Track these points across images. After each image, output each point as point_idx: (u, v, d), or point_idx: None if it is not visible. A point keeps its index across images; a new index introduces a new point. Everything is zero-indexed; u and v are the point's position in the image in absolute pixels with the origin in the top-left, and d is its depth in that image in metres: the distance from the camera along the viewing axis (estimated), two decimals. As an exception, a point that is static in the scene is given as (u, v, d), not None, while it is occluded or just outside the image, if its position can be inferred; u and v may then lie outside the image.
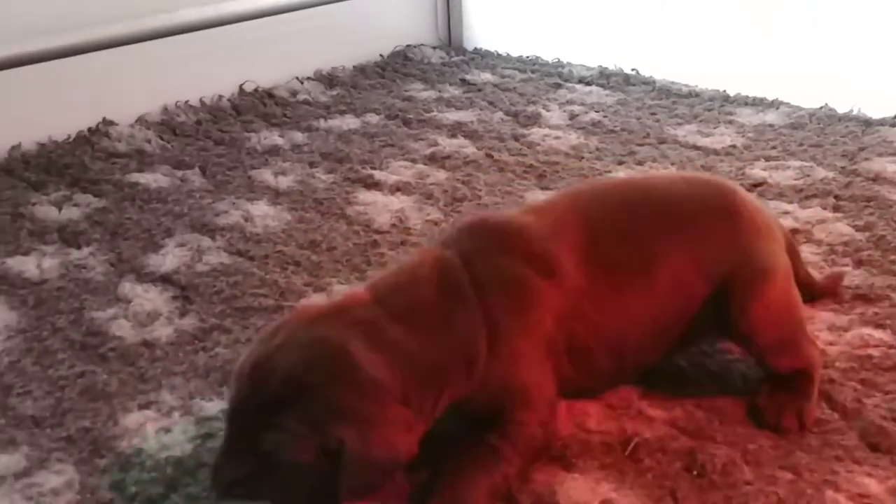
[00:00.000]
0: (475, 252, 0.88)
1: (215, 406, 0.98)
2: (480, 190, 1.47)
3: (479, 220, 0.94)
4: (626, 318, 0.90)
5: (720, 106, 1.79)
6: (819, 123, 1.67)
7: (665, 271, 0.91)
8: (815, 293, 1.09)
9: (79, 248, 1.35)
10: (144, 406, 0.99)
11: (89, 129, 1.79)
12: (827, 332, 1.05)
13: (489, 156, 1.61)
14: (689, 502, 0.81)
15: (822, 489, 0.82)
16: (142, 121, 1.85)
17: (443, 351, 0.82)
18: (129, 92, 1.86)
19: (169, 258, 1.30)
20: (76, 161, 1.67)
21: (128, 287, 1.23)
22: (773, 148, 1.57)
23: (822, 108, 1.73)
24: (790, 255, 0.99)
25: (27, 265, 1.30)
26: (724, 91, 1.85)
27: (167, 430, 0.95)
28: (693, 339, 0.96)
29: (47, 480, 0.88)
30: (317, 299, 1.17)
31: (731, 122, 1.71)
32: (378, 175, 1.55)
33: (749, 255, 0.92)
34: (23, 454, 0.92)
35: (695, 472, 0.84)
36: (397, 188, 1.50)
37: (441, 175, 1.54)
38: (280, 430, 0.75)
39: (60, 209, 1.48)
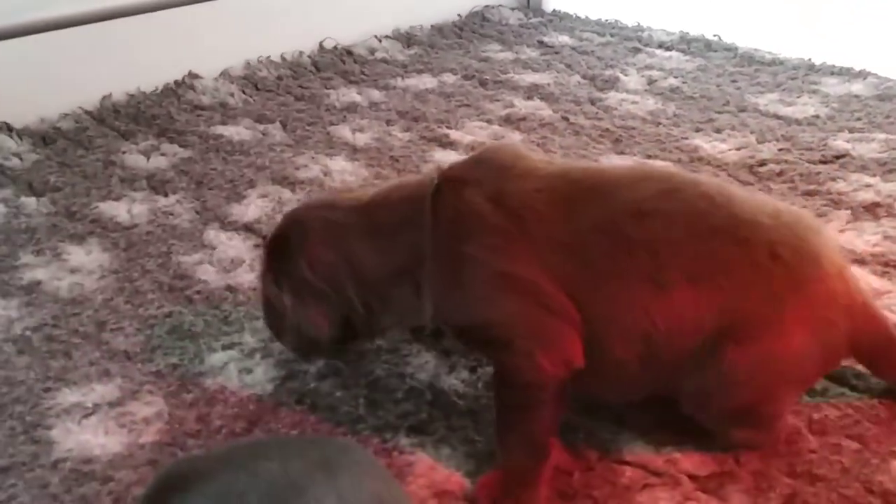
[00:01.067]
0: (454, 180, 0.87)
1: (294, 350, 1.03)
2: (555, 153, 1.48)
3: (489, 152, 0.90)
4: (608, 318, 0.80)
5: (804, 75, 1.75)
6: (907, 95, 1.63)
7: (678, 290, 0.78)
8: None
9: (166, 195, 1.41)
10: (228, 347, 1.04)
11: (175, 82, 1.85)
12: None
13: (565, 118, 1.61)
14: (751, 466, 0.82)
15: (888, 460, 0.82)
16: (225, 75, 1.90)
17: (384, 272, 0.88)
18: (213, 46, 1.91)
19: (251, 208, 1.35)
20: (163, 112, 1.73)
21: (212, 234, 1.29)
22: (858, 119, 1.54)
23: (911, 79, 1.68)
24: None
25: (118, 210, 1.37)
26: (810, 60, 1.81)
27: (249, 371, 1.00)
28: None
29: (139, 410, 0.94)
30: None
31: (815, 91, 1.67)
32: (453, 135, 1.57)
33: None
34: (116, 385, 0.98)
35: (759, 439, 0.85)
36: (472, 148, 1.51)
37: (516, 136, 1.55)
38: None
39: (149, 158, 1.54)
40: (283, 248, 0.93)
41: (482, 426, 0.89)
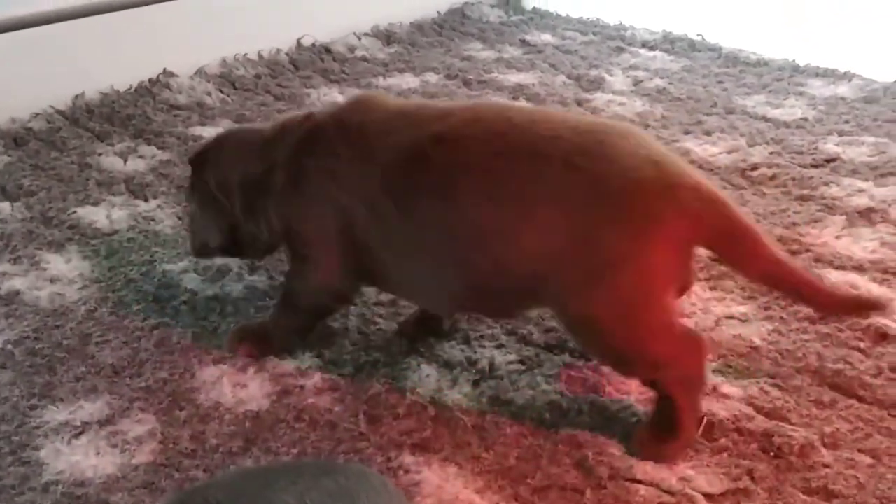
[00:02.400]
0: (321, 112, 1.01)
1: (289, 364, 0.99)
2: (545, 155, 1.46)
3: (358, 95, 1.02)
4: (411, 233, 0.88)
5: (790, 76, 1.75)
6: (893, 98, 1.63)
7: (473, 207, 0.83)
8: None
9: (146, 200, 1.37)
10: (219, 361, 1.01)
11: (150, 81, 1.80)
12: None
13: (553, 120, 1.59)
14: (767, 483, 0.81)
15: (903, 474, 0.81)
16: (201, 73, 1.85)
17: (251, 181, 1.00)
18: (187, 43, 1.86)
19: (236, 213, 1.31)
20: (139, 112, 1.67)
21: (197, 241, 1.25)
22: (846, 122, 1.54)
23: (895, 81, 1.68)
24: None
25: (97, 215, 1.32)
26: (794, 61, 1.81)
27: (243, 386, 0.96)
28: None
29: (131, 429, 0.90)
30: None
31: (801, 93, 1.67)
32: (441, 136, 1.54)
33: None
34: (105, 402, 0.94)
35: (771, 454, 0.84)
36: (461, 150, 1.49)
37: (504, 138, 1.53)
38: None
39: (126, 160, 1.49)
40: (200, 163, 1.06)
41: (489, 442, 0.87)
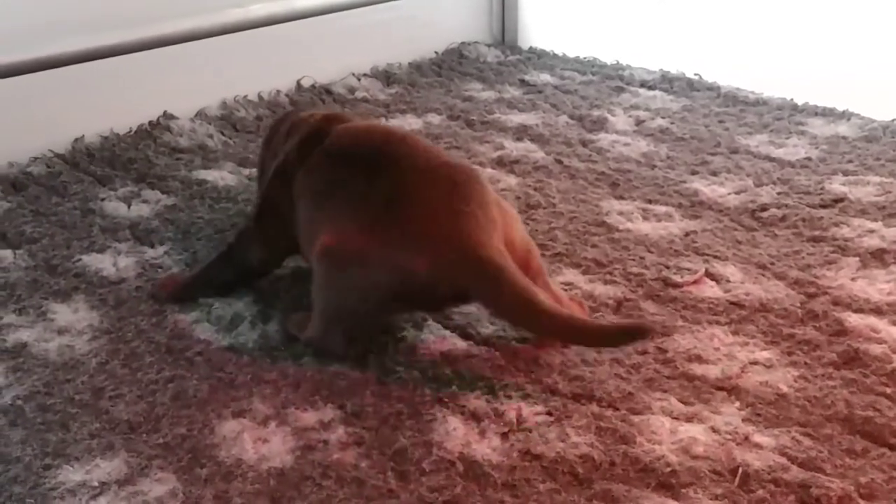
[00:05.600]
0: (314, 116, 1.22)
1: (311, 417, 0.97)
2: (554, 197, 1.46)
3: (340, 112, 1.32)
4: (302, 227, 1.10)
5: (789, 115, 1.76)
6: (893, 137, 1.65)
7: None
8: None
9: (152, 246, 1.35)
10: (238, 414, 0.98)
11: (150, 123, 1.79)
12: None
13: (558, 161, 1.59)
14: (807, 536, 0.80)
15: (943, 526, 0.80)
16: (202, 115, 1.84)
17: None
18: (187, 86, 1.85)
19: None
20: (140, 155, 1.66)
21: (207, 289, 1.23)
22: (850, 162, 1.55)
23: (894, 120, 1.70)
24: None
25: (104, 263, 1.30)
26: (792, 100, 1.83)
27: (265, 441, 0.94)
28: None
29: (151, 489, 0.88)
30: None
31: (802, 132, 1.68)
32: (447, 178, 1.53)
33: None
34: (122, 460, 0.92)
35: (810, 505, 0.83)
36: (469, 193, 1.48)
37: (511, 180, 1.53)
38: None
39: (130, 205, 1.47)
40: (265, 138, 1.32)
41: (521, 500, 0.85)
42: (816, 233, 1.31)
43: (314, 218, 1.07)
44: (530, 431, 0.93)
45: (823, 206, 1.39)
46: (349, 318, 1.05)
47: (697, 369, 1.03)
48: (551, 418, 0.95)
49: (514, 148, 1.65)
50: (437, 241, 0.97)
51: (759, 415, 0.95)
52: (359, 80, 2.04)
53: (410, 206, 0.99)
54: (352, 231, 1.00)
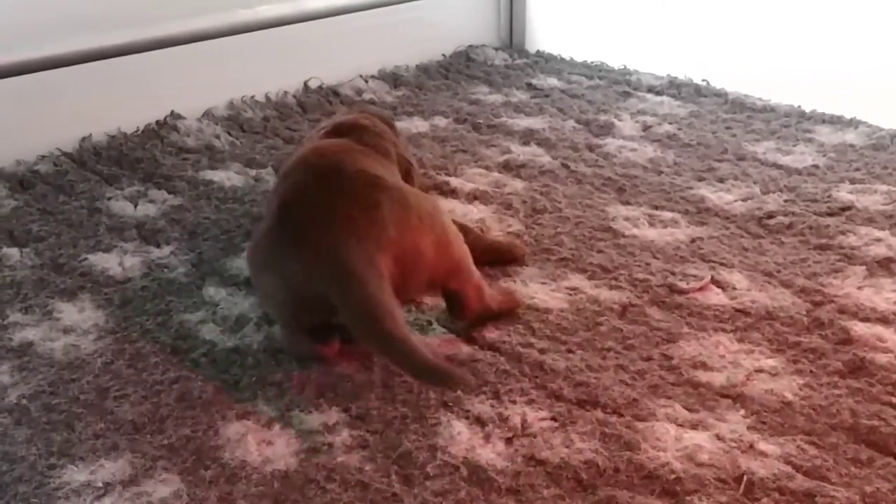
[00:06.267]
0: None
1: (315, 419, 0.97)
2: (560, 202, 1.45)
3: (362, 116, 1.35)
4: None
5: (797, 122, 1.76)
6: (901, 145, 1.64)
7: None
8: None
9: (158, 246, 1.35)
10: (243, 416, 0.98)
11: (157, 123, 1.79)
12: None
13: (565, 166, 1.59)
14: (813, 545, 0.80)
15: (949, 537, 0.80)
16: (209, 115, 1.85)
17: None
18: (194, 85, 1.86)
19: (252, 261, 1.29)
20: (147, 155, 1.66)
21: (212, 290, 1.23)
22: (857, 170, 1.54)
23: (902, 128, 1.70)
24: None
25: (110, 262, 1.30)
26: (800, 107, 1.82)
27: (269, 443, 0.94)
28: None
29: (155, 490, 0.88)
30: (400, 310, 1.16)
31: (810, 140, 1.68)
32: (454, 182, 1.53)
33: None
34: (126, 461, 0.92)
35: (815, 514, 0.83)
36: (475, 196, 1.48)
37: (518, 185, 1.53)
38: None
39: (136, 205, 1.47)
40: None
41: (526, 504, 0.85)
42: (823, 241, 1.31)
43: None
44: (535, 437, 0.93)
45: (830, 214, 1.39)
46: (282, 319, 1.08)
47: (702, 376, 1.02)
48: (556, 424, 0.95)
49: (520, 152, 1.65)
50: (307, 246, 0.98)
51: (764, 423, 0.95)
52: (366, 81, 2.04)
53: (296, 213, 1.02)
54: (259, 236, 1.07)
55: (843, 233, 1.33)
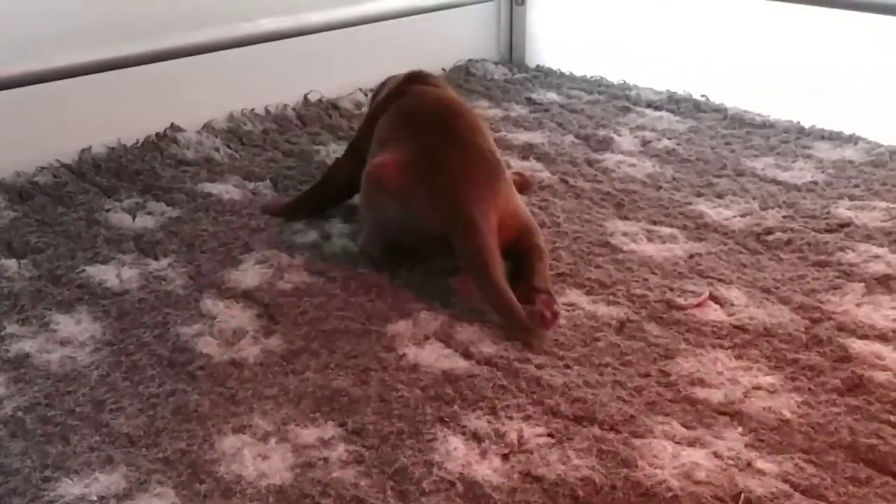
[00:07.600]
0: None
1: (311, 433, 0.97)
2: (558, 217, 1.45)
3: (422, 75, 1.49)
4: None
5: (796, 138, 1.76)
6: (900, 162, 1.65)
7: None
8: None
9: (156, 258, 1.35)
10: (238, 430, 0.98)
11: (157, 135, 1.79)
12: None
13: (564, 181, 1.59)
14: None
15: (947, 557, 0.80)
16: (208, 128, 1.85)
17: None
18: (194, 98, 1.86)
19: (250, 274, 1.29)
20: (146, 167, 1.66)
21: (210, 303, 1.22)
22: (856, 187, 1.55)
23: (900, 145, 1.70)
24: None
25: (107, 274, 1.30)
26: (799, 123, 1.82)
27: (265, 457, 0.94)
28: None
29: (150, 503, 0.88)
30: (402, 326, 1.16)
31: (809, 156, 1.68)
32: (453, 196, 1.53)
33: None
34: (121, 474, 0.91)
35: (812, 533, 0.82)
36: (474, 210, 1.48)
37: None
38: None
39: (135, 217, 1.47)
40: None
41: (522, 521, 0.84)
42: (822, 257, 1.31)
43: (375, 154, 1.31)
44: (531, 453, 0.92)
45: (829, 231, 1.39)
46: (381, 235, 1.29)
47: (700, 393, 1.02)
48: (553, 440, 0.94)
49: (519, 167, 1.65)
50: (440, 195, 1.20)
51: (761, 440, 0.94)
52: (366, 95, 2.04)
53: (432, 165, 1.23)
54: (390, 167, 1.24)
55: (841, 249, 1.33)
